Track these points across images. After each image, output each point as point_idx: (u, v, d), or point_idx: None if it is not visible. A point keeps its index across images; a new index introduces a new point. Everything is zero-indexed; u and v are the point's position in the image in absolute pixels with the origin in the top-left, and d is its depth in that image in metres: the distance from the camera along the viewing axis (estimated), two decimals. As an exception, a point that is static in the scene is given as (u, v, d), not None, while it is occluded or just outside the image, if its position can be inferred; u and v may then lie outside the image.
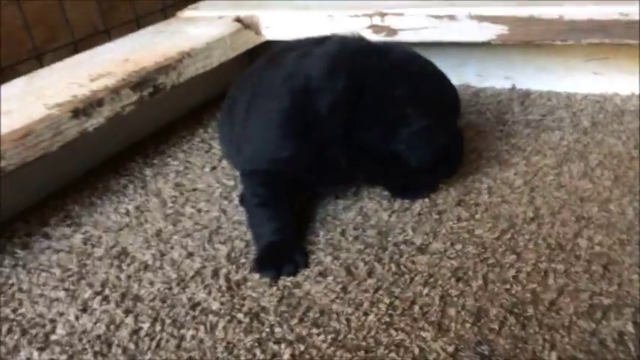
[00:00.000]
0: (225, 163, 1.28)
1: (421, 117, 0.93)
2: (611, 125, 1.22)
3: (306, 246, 0.98)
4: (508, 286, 0.84)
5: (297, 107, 0.95)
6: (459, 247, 0.93)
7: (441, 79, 1.02)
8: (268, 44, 1.51)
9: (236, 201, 1.13)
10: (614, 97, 1.33)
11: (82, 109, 1.06)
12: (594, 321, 0.76)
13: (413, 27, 1.32)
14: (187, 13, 1.58)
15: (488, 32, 1.26)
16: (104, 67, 1.23)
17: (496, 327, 0.77)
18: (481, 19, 1.26)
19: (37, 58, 1.32)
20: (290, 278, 0.91)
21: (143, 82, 1.18)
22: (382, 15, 1.34)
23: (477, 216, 1.00)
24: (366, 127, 0.94)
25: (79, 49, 1.41)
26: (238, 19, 1.48)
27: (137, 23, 1.54)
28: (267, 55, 1.15)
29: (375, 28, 1.35)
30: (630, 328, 0.74)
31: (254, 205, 1.01)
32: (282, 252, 0.94)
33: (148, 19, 1.58)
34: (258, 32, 1.49)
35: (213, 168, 1.27)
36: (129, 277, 0.95)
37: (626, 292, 0.80)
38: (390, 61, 0.97)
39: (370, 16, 1.35)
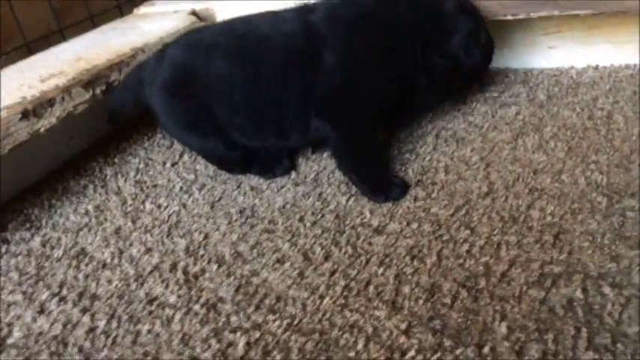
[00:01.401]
0: (186, 157, 1.27)
1: (467, 22, 1.12)
2: (566, 98, 1.23)
3: (263, 235, 0.98)
4: (461, 261, 0.85)
5: (388, 40, 1.08)
6: (414, 226, 0.94)
7: None
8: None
9: (196, 194, 1.13)
10: (570, 71, 1.34)
11: (32, 109, 1.05)
12: (544, 289, 0.77)
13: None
14: (143, 9, 1.57)
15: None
16: (56, 67, 1.21)
17: (449, 302, 0.78)
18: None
19: (-11, 62, 1.31)
20: (247, 267, 0.91)
21: (95, 79, 1.17)
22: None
23: (434, 194, 1.01)
24: (429, 34, 1.10)
25: (33, 50, 1.39)
26: (194, 12, 1.47)
27: (92, 22, 1.52)
28: None
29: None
30: (579, 294, 0.75)
31: (350, 143, 1.06)
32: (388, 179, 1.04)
33: (104, 17, 1.57)
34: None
35: (174, 164, 1.26)
36: (87, 276, 0.95)
37: (577, 259, 0.81)
38: None
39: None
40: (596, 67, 1.33)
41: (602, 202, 0.90)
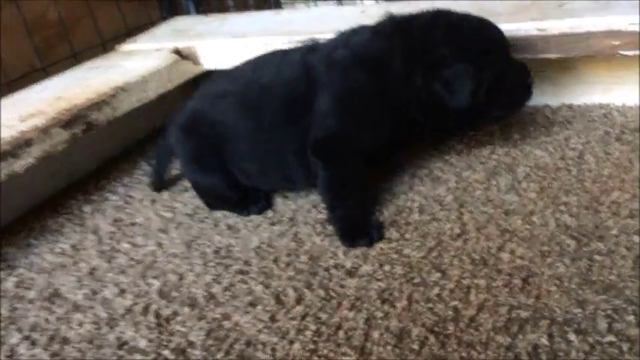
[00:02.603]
0: (165, 195, 1.28)
1: (459, 58, 1.01)
2: (540, 137, 1.25)
3: (236, 277, 0.98)
4: (431, 305, 0.85)
5: (372, 81, 1.04)
6: (387, 268, 0.95)
7: (484, 23, 1.09)
8: (209, 74, 1.51)
9: (173, 232, 1.13)
10: (545, 109, 1.37)
11: (9, 151, 1.06)
12: (510, 335, 0.77)
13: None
14: (126, 46, 1.59)
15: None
16: (36, 106, 1.22)
17: (417, 347, 0.78)
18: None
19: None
20: (220, 310, 0.91)
21: (75, 119, 1.18)
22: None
23: (407, 235, 1.02)
24: (421, 75, 1.03)
25: (16, 88, 1.40)
26: (176, 51, 1.49)
27: (75, 59, 1.53)
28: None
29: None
30: (545, 340, 0.76)
31: (337, 185, 1.05)
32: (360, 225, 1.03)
33: (88, 53, 1.58)
34: (196, 62, 1.50)
35: (153, 201, 1.26)
36: (59, 319, 0.94)
37: (544, 304, 0.82)
38: (431, 17, 1.08)
39: (304, 43, 1.37)
40: (570, 106, 1.36)
41: (570, 245, 0.92)
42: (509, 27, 1.18)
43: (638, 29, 1.11)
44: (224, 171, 1.13)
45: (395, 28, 1.07)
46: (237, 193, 1.15)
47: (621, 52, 1.12)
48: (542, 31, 1.16)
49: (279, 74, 1.10)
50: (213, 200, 1.19)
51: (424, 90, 1.03)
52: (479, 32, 1.07)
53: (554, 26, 1.16)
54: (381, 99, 1.05)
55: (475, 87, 1.02)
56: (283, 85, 1.09)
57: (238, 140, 1.11)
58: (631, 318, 0.77)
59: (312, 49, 1.13)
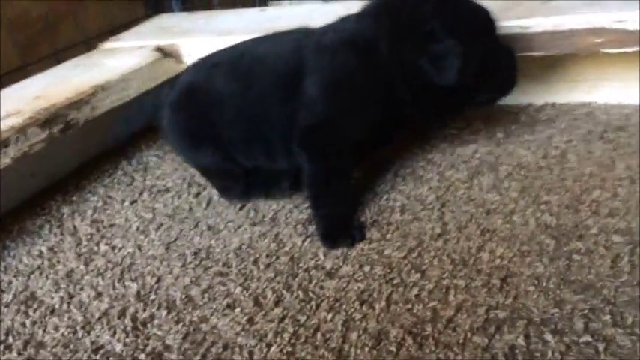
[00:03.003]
0: (145, 195, 1.26)
1: (448, 33, 0.98)
2: (523, 136, 1.24)
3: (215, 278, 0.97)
4: (410, 306, 0.85)
5: (359, 62, 1.02)
6: (367, 268, 0.94)
7: (473, 3, 1.05)
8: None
9: (152, 234, 1.12)
10: (528, 108, 1.36)
11: (-16, 152, 1.04)
12: (488, 336, 0.77)
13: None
14: (109, 44, 1.57)
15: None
16: (14, 105, 1.21)
17: (394, 349, 0.78)
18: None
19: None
20: (197, 312, 0.90)
21: (53, 118, 1.17)
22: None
23: (388, 235, 1.01)
24: (410, 51, 1.00)
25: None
26: (159, 49, 1.47)
27: (56, 58, 1.52)
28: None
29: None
30: (522, 341, 0.75)
31: (321, 182, 1.04)
32: (343, 225, 1.02)
33: (72, 51, 1.57)
34: (179, 60, 1.49)
35: (133, 202, 1.25)
36: (34, 322, 0.93)
37: (522, 304, 0.81)
38: None
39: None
40: (554, 105, 1.36)
41: (550, 245, 0.91)
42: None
43: (621, 27, 1.10)
44: (221, 146, 1.11)
45: (382, 7, 1.05)
46: (237, 167, 1.13)
47: (604, 49, 1.12)
48: (526, 29, 1.16)
49: (273, 48, 1.10)
50: (220, 182, 1.18)
51: (412, 66, 1.00)
52: (469, 11, 1.04)
53: (538, 24, 1.16)
54: (369, 80, 1.02)
55: (463, 65, 0.98)
56: (274, 58, 1.08)
57: (227, 108, 1.08)
58: (607, 318, 0.76)
59: (307, 32, 1.11)
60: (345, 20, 1.09)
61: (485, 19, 1.06)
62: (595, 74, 1.32)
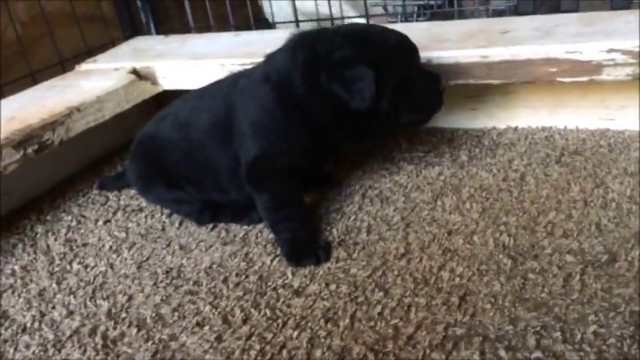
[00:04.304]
0: (119, 215, 1.28)
1: (359, 60, 1.02)
2: (485, 159, 1.30)
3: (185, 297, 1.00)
4: (373, 324, 0.88)
5: (277, 95, 1.07)
6: (333, 287, 0.97)
7: (388, 32, 1.11)
8: (167, 94, 1.53)
9: (125, 253, 1.14)
10: (492, 131, 1.42)
11: (-43, 173, 1.06)
12: (445, 352, 0.81)
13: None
14: (85, 66, 1.59)
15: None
16: (-12, 126, 1.22)
17: (356, 365, 0.81)
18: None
19: None
20: (167, 330, 0.92)
21: (27, 139, 1.19)
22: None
23: (354, 255, 1.05)
24: (323, 78, 1.04)
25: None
26: (134, 71, 1.50)
27: (33, 78, 1.53)
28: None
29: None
30: (477, 357, 0.79)
31: (272, 209, 1.09)
32: (306, 246, 1.06)
33: (48, 72, 1.58)
34: (154, 82, 1.52)
35: (107, 221, 1.27)
36: (5, 341, 0.94)
37: (478, 321, 0.85)
38: (337, 28, 1.13)
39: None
40: (516, 129, 1.41)
41: (507, 264, 0.96)
42: (455, 53, 1.24)
43: (574, 57, 1.16)
44: (170, 182, 1.20)
45: (298, 40, 1.10)
46: (187, 200, 1.20)
47: (559, 78, 1.18)
48: (486, 58, 1.21)
49: (208, 98, 1.19)
50: (184, 212, 1.24)
51: (327, 94, 1.04)
52: (382, 39, 1.09)
53: (497, 53, 1.21)
54: (288, 112, 1.07)
55: (376, 89, 1.02)
56: (209, 111, 1.16)
57: (174, 152, 1.18)
58: (558, 334, 0.81)
59: (239, 76, 1.18)
60: (267, 57, 1.15)
61: (400, 46, 1.10)
62: (554, 100, 1.38)
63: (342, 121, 1.08)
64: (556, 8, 1.50)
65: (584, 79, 1.16)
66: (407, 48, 1.11)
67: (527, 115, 1.41)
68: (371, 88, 1.02)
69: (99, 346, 0.90)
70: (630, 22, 1.22)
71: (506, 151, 1.32)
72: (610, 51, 1.12)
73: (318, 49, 1.06)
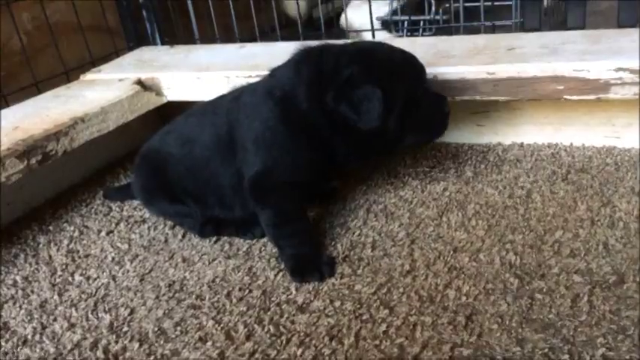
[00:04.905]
0: (122, 226, 1.28)
1: (367, 80, 1.01)
2: (491, 175, 1.29)
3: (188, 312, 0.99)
4: (378, 342, 0.87)
5: (280, 111, 1.06)
6: (337, 304, 0.96)
7: (395, 51, 1.10)
8: (172, 105, 1.53)
9: (127, 265, 1.13)
10: (497, 147, 1.42)
11: (-39, 183, 1.05)
12: (452, 373, 0.80)
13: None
14: (89, 76, 1.59)
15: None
16: (-8, 136, 1.22)
17: (361, 385, 0.80)
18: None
19: None
20: (169, 345, 0.91)
21: (31, 150, 1.18)
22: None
23: (359, 271, 1.04)
24: (330, 97, 1.03)
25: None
26: (139, 82, 1.50)
27: (37, 88, 1.53)
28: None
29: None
30: (484, 378, 0.78)
31: (276, 224, 1.08)
32: (310, 261, 1.05)
33: (52, 82, 1.58)
34: (159, 93, 1.52)
35: (110, 232, 1.26)
36: (6, 353, 0.93)
37: (485, 342, 0.84)
38: (343, 44, 1.12)
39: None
40: (521, 145, 1.41)
41: (513, 283, 0.95)
42: (461, 69, 1.24)
43: (581, 75, 1.16)
44: (173, 196, 1.19)
45: (303, 57, 1.09)
46: (190, 213, 1.19)
47: (566, 96, 1.18)
48: (492, 74, 1.21)
49: (209, 118, 1.17)
50: (187, 225, 1.23)
51: (334, 112, 1.04)
52: (389, 58, 1.08)
53: (503, 70, 1.21)
54: (292, 128, 1.06)
55: (384, 110, 1.02)
56: (212, 128, 1.15)
57: (178, 167, 1.17)
58: (566, 357, 0.80)
59: (238, 96, 1.16)
60: (270, 72, 1.14)
61: (407, 66, 1.10)
62: (560, 117, 1.38)
63: (347, 139, 1.07)
64: (562, 24, 1.49)
65: (592, 97, 1.16)
66: (414, 67, 1.11)
67: (533, 132, 1.41)
68: (379, 107, 1.02)
69: (100, 361, 0.89)
70: (637, 40, 1.22)
71: (512, 168, 1.31)
72: (618, 70, 1.12)
73: (324, 66, 1.05)
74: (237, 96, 1.16)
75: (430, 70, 1.22)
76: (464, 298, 0.93)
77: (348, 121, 1.04)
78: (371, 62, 1.06)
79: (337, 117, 1.04)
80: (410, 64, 1.10)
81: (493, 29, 1.57)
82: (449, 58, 1.31)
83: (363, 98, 1.02)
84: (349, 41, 1.20)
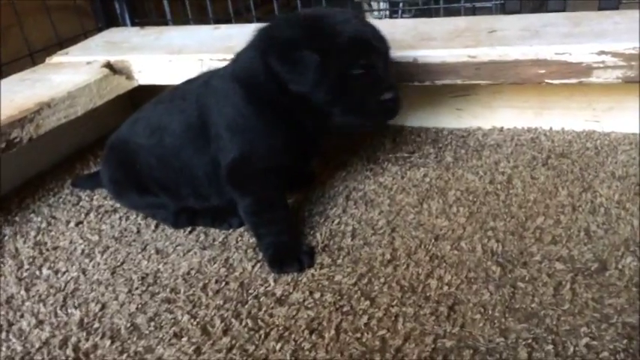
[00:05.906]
0: (92, 216, 1.23)
1: (308, 45, 0.98)
2: (471, 160, 1.27)
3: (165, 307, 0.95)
4: (359, 335, 0.85)
5: (246, 91, 1.03)
6: (317, 295, 0.94)
7: (350, 23, 1.02)
8: (144, 89, 1.47)
9: (98, 257, 1.09)
10: (477, 132, 1.40)
11: None
12: (434, 366, 0.78)
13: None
14: (56, 58, 1.52)
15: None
16: (-47, 122, 1.15)
17: (342, 380, 0.78)
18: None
19: None
20: (143, 342, 0.88)
21: (-6, 137, 1.12)
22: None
23: (339, 261, 1.01)
24: (273, 59, 1.00)
25: None
26: (108, 65, 1.44)
27: (0, 71, 1.46)
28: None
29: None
30: (467, 371, 0.77)
31: (255, 212, 1.05)
32: (290, 251, 1.02)
33: (16, 65, 1.51)
34: (129, 77, 1.46)
35: (79, 223, 1.21)
36: (-31, 353, 0.89)
37: (468, 332, 0.83)
38: (298, 12, 1.10)
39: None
40: (501, 129, 1.39)
41: (496, 272, 0.93)
42: (442, 53, 1.21)
43: (563, 59, 1.14)
44: (144, 188, 1.15)
45: (262, 32, 1.05)
46: (162, 204, 1.16)
47: (547, 80, 1.16)
48: (473, 57, 1.19)
49: (177, 105, 1.12)
50: (158, 216, 1.19)
51: (282, 80, 1.00)
52: (337, 28, 1.01)
53: (485, 53, 1.18)
54: (260, 107, 1.03)
55: (319, 77, 0.98)
56: (180, 115, 1.10)
57: (148, 157, 1.13)
58: (550, 347, 0.78)
59: (208, 80, 1.12)
60: (235, 56, 1.10)
61: (355, 40, 1.01)
62: (541, 101, 1.36)
63: (299, 106, 1.02)
64: (542, 7, 1.47)
65: (574, 81, 1.14)
66: (362, 43, 1.02)
67: (512, 116, 1.39)
68: (314, 74, 0.97)
69: (70, 359, 0.85)
70: (619, 23, 1.21)
71: (492, 153, 1.29)
72: (600, 53, 1.10)
73: (275, 33, 1.02)
74: (206, 80, 1.11)
75: (410, 53, 1.20)
76: (446, 288, 0.92)
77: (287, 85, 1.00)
78: (315, 28, 1.01)
79: (283, 81, 1.00)
80: (360, 39, 1.01)
81: (473, 11, 1.54)
82: (429, 40, 1.27)
83: (300, 60, 0.98)
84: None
